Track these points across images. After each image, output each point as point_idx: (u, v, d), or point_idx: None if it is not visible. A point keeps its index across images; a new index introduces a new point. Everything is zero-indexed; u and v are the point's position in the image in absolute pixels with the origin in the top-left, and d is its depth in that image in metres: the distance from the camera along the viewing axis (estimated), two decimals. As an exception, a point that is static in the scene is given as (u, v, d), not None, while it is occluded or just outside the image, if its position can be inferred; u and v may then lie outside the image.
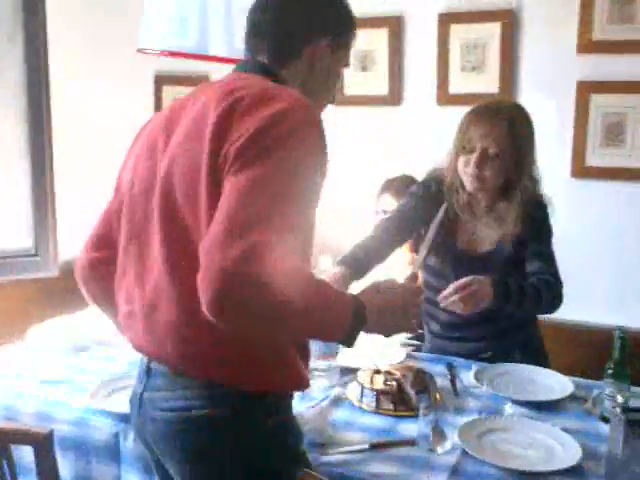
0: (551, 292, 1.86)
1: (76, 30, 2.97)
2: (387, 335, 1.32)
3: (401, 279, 1.44)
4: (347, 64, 1.43)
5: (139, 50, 2.12)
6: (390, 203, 2.57)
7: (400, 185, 2.58)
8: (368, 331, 1.22)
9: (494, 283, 1.79)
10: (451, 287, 1.78)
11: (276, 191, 1.07)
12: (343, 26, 1.39)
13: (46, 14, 2.79)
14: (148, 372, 1.28)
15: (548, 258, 1.90)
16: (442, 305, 1.81)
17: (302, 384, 1.27)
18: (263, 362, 1.19)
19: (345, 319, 1.15)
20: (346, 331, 1.16)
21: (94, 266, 1.41)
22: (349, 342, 1.17)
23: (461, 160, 1.90)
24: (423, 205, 2.01)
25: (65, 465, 1.62)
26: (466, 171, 1.89)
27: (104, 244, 1.40)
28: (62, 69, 2.89)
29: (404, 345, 2.16)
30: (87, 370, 1.93)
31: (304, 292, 1.07)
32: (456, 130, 1.91)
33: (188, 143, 1.20)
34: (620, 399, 1.48)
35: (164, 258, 1.19)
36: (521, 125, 1.87)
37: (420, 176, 2.23)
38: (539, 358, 1.99)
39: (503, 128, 1.83)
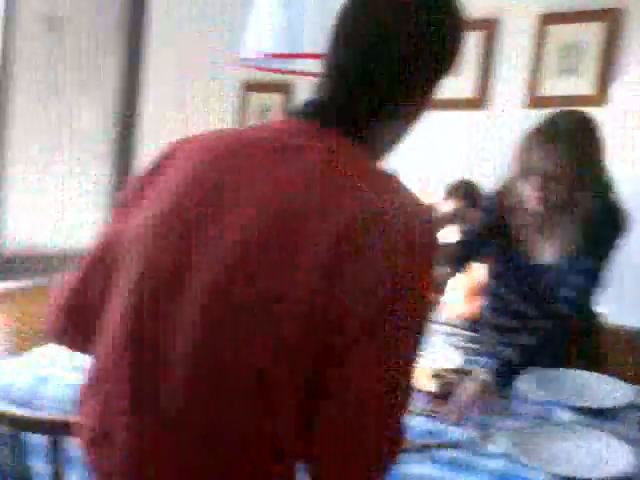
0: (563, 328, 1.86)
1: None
2: None
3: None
4: None
5: (241, 60, 2.14)
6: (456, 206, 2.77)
7: (458, 191, 2.78)
8: None
9: (493, 375, 1.69)
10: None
11: (406, 367, 0.97)
12: (457, 58, 1.08)
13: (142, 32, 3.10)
14: None
15: (588, 277, 1.88)
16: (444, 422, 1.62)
17: None
18: None
19: None
20: None
21: (60, 336, 1.16)
22: None
23: (523, 183, 1.91)
24: (489, 222, 2.10)
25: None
26: (529, 194, 1.89)
27: (77, 316, 1.10)
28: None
29: (459, 348, 2.15)
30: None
31: None
32: (517, 152, 1.92)
33: (265, 267, 0.90)
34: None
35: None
36: (582, 142, 1.85)
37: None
38: (595, 364, 1.95)
39: (563, 149, 1.81)
